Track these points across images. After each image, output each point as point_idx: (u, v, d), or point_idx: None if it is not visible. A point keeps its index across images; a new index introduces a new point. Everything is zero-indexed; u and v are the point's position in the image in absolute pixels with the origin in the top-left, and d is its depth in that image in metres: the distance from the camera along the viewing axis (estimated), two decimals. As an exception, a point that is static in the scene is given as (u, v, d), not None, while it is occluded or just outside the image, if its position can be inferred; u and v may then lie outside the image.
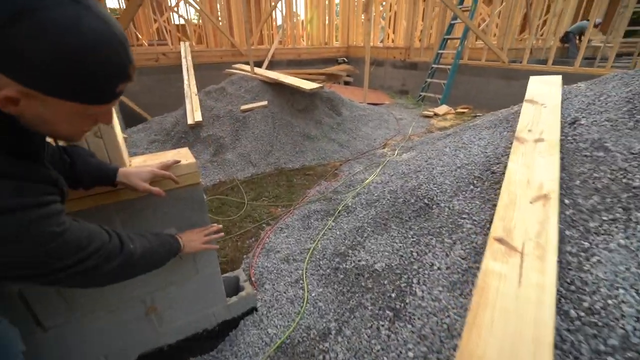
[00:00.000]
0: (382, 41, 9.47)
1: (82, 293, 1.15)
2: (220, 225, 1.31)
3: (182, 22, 7.65)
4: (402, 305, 1.34)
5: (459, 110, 5.83)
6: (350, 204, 2.41)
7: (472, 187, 1.70)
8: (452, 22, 6.26)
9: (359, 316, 1.41)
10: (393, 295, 1.39)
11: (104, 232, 0.81)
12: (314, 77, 4.82)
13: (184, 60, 6.35)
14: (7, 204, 0.57)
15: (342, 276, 1.64)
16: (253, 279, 1.89)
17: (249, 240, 2.36)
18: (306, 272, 1.85)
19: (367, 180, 2.81)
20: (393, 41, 8.87)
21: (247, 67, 5.25)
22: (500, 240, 1.27)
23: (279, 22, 10.65)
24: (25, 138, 0.61)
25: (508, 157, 1.69)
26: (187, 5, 7.71)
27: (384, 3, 9.71)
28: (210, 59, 7.22)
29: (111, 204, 1.09)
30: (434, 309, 1.26)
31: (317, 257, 1.95)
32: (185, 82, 5.39)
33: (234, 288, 1.67)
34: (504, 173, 1.60)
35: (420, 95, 6.81)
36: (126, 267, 0.86)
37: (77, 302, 1.15)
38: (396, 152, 3.61)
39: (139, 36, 7.91)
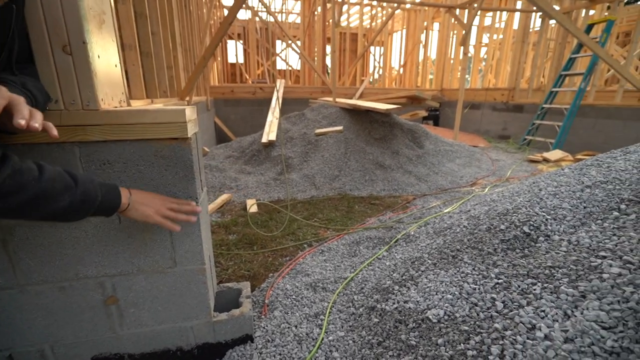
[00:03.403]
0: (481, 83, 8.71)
1: (28, 253, 0.92)
2: (199, 208, 0.96)
3: (285, 67, 8.39)
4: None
5: (580, 156, 4.64)
6: (412, 233, 1.83)
7: (616, 213, 1.02)
8: (573, 55, 5.26)
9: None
10: (454, 367, 0.80)
11: None
12: (395, 101, 4.47)
13: (275, 92, 6.78)
14: None
15: (376, 320, 1.09)
16: (267, 301, 1.46)
17: (283, 258, 1.97)
18: (332, 306, 1.34)
19: (444, 212, 2.19)
20: (493, 84, 8.04)
21: (330, 98, 5.23)
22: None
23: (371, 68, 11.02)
24: None
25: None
26: (289, 50, 8.60)
27: (485, 49, 9.10)
28: (301, 94, 7.58)
29: (74, 143, 0.87)
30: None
31: (354, 290, 1.42)
32: (272, 107, 5.63)
33: (232, 304, 1.27)
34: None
35: (526, 139, 5.76)
36: None
37: (23, 262, 0.92)
38: (487, 189, 2.87)
39: (247, 77, 9.13)
